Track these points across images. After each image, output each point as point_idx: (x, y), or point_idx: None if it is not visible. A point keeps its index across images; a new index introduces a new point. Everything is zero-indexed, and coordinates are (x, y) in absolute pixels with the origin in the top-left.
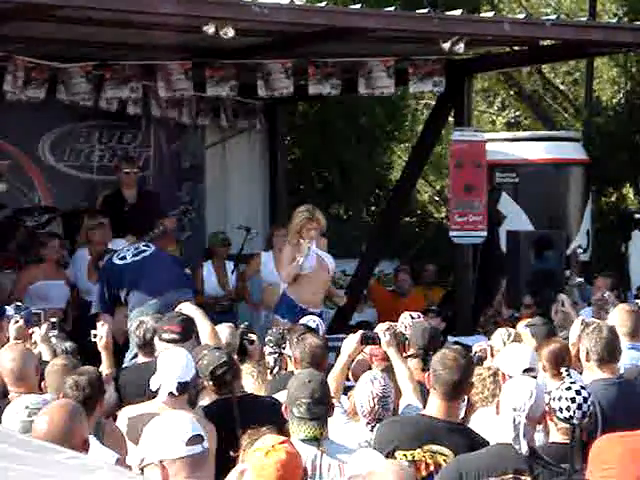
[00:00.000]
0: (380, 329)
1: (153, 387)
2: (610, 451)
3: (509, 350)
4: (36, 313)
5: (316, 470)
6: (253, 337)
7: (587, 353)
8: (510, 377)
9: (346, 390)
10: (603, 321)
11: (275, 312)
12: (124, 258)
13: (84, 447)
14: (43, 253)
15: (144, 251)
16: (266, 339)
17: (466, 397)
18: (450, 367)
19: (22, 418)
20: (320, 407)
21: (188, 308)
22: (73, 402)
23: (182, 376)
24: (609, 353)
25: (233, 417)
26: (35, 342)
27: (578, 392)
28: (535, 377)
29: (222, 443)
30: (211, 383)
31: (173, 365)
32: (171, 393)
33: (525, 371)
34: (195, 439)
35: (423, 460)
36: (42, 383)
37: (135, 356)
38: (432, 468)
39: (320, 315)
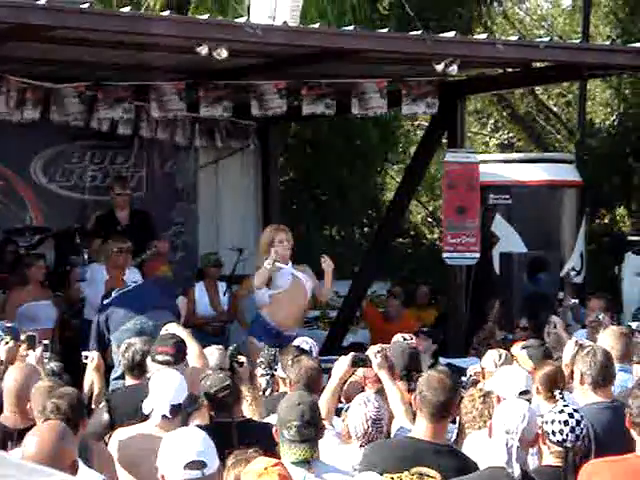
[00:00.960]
0: (371, 351)
1: (146, 410)
2: (599, 476)
3: (504, 372)
4: (31, 336)
5: None
6: (242, 359)
7: (582, 376)
8: (504, 399)
9: (338, 412)
10: (597, 344)
11: (250, 333)
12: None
13: (73, 468)
14: (29, 274)
15: (127, 286)
16: (258, 361)
17: (457, 419)
18: (436, 388)
19: None
20: (310, 429)
21: (174, 329)
22: (62, 424)
23: (175, 398)
24: (603, 377)
25: (231, 441)
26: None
27: (571, 415)
28: (530, 400)
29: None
30: (210, 405)
31: (166, 388)
32: (164, 416)
33: (521, 394)
34: (194, 464)
35: None
36: (28, 405)
37: (121, 376)
38: None
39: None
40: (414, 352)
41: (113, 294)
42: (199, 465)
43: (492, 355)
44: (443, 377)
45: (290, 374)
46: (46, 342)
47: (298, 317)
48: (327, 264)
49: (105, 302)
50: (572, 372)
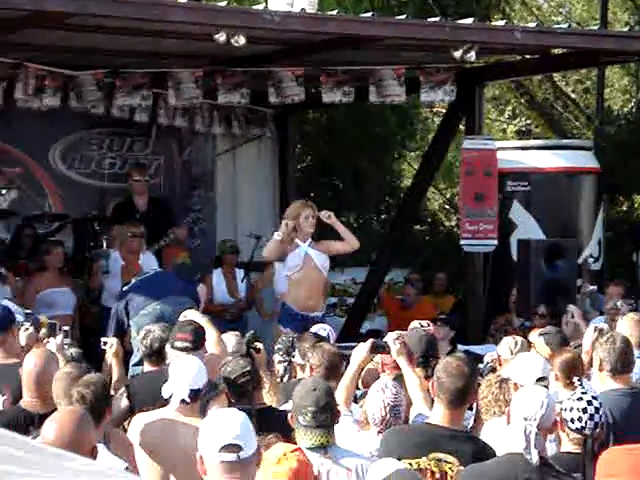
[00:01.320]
0: (390, 338)
1: (165, 395)
2: (616, 464)
3: (521, 359)
4: (52, 323)
5: (323, 477)
6: (259, 346)
7: (600, 363)
8: (522, 386)
9: (355, 399)
10: (617, 331)
11: (278, 321)
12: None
13: (92, 455)
14: (47, 260)
15: (146, 273)
16: (276, 347)
17: (475, 405)
18: (454, 375)
19: None
20: (325, 415)
21: (193, 315)
22: (82, 410)
23: (194, 383)
24: (622, 364)
25: None
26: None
27: (590, 402)
28: (547, 386)
29: None
30: (230, 391)
31: (185, 373)
32: (183, 400)
33: (538, 380)
34: (230, 448)
35: (429, 468)
36: (47, 390)
37: (139, 362)
38: (438, 476)
39: (322, 319)
40: (431, 338)
41: (133, 280)
42: (235, 449)
43: (508, 342)
44: (461, 363)
45: (312, 359)
46: (66, 329)
47: (318, 295)
48: (324, 215)
49: (125, 289)
50: (592, 359)
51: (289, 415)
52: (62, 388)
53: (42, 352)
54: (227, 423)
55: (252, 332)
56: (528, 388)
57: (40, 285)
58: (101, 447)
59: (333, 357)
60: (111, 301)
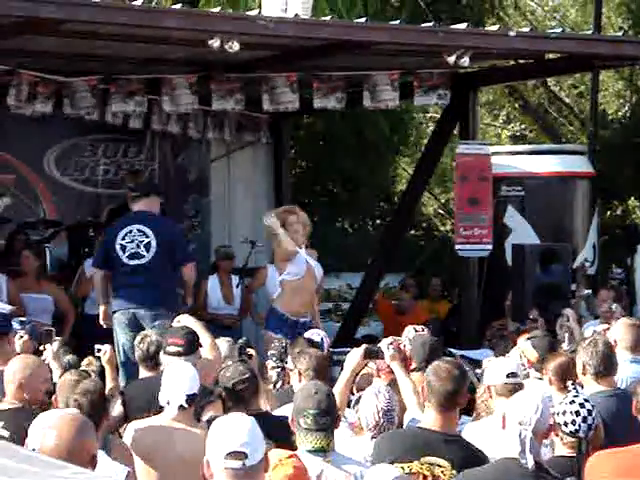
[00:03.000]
0: (384, 343)
1: (162, 402)
2: (602, 468)
3: (493, 362)
4: (48, 330)
5: None
6: (251, 352)
7: (584, 367)
8: (495, 386)
9: (349, 404)
10: (600, 335)
11: (266, 327)
12: (123, 249)
13: (92, 463)
14: (23, 266)
15: (142, 257)
16: (269, 353)
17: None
18: (444, 378)
19: None
20: (326, 418)
21: (187, 320)
22: (82, 416)
23: (190, 389)
24: (605, 366)
25: None
26: (45, 358)
27: (582, 405)
28: (520, 383)
29: None
30: (227, 396)
31: (180, 379)
32: (181, 406)
33: (508, 376)
34: (235, 455)
35: (421, 472)
36: (53, 398)
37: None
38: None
39: (311, 323)
40: (435, 344)
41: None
42: (240, 456)
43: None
44: (450, 367)
45: (299, 364)
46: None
47: (310, 302)
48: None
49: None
50: None
51: (290, 418)
52: (66, 396)
53: (26, 357)
54: (234, 429)
55: (245, 338)
56: (524, 393)
57: (17, 289)
58: (101, 454)
59: (320, 361)
60: (94, 308)
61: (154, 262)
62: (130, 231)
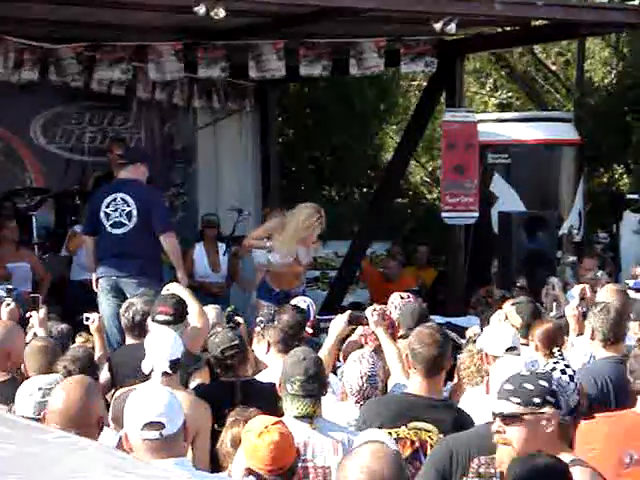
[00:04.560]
0: (368, 310)
1: (146, 370)
2: (595, 432)
3: (492, 330)
4: (34, 297)
5: (308, 447)
6: (239, 320)
7: (593, 332)
8: (494, 357)
9: (335, 371)
10: (611, 302)
11: (257, 296)
12: (107, 216)
13: (99, 425)
14: (2, 236)
15: (123, 225)
16: (257, 319)
17: (456, 377)
18: (427, 343)
19: (37, 399)
20: (314, 385)
21: (175, 288)
22: (89, 379)
23: (172, 354)
24: (615, 334)
25: (234, 400)
26: (32, 325)
27: (563, 371)
28: (518, 355)
29: (220, 424)
30: (216, 362)
31: (162, 345)
32: (165, 373)
33: (508, 350)
34: (152, 426)
35: (408, 437)
36: (22, 365)
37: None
38: (417, 445)
39: (303, 292)
40: (423, 311)
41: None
42: (157, 426)
43: (498, 314)
44: (433, 332)
45: (267, 335)
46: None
47: (297, 279)
48: None
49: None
50: (578, 321)
51: (277, 384)
52: (37, 361)
53: (5, 322)
54: (150, 401)
55: (233, 307)
56: (506, 358)
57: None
58: None
59: (291, 334)
60: (81, 273)
61: (135, 231)
62: (114, 199)
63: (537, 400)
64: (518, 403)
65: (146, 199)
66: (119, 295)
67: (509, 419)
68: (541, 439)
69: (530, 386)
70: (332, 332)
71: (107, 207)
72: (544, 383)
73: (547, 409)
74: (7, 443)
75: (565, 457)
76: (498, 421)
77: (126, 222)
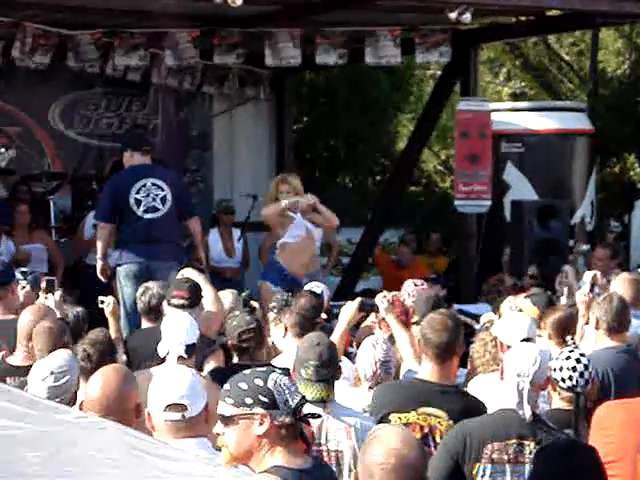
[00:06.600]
0: (379, 297)
1: (162, 354)
2: (611, 418)
3: (508, 319)
4: (50, 279)
5: (322, 432)
6: (255, 304)
7: (597, 322)
8: (509, 346)
9: (349, 356)
10: (614, 290)
11: (263, 278)
12: (138, 202)
13: (137, 411)
14: (14, 219)
15: (157, 210)
16: (270, 305)
17: (469, 364)
18: (438, 330)
19: (49, 384)
20: (327, 369)
21: (190, 273)
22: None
23: (188, 339)
24: (619, 322)
25: None
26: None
27: (578, 360)
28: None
29: None
30: (232, 345)
31: (178, 329)
32: (180, 357)
33: (523, 341)
34: (174, 407)
35: (417, 423)
36: (29, 344)
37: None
38: (426, 430)
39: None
40: (437, 299)
41: None
42: (179, 408)
43: (509, 301)
44: (444, 318)
45: (284, 319)
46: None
47: (310, 264)
48: (308, 204)
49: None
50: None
51: (291, 368)
52: (45, 342)
53: (38, 308)
54: (174, 382)
55: (248, 291)
56: (521, 345)
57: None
58: None
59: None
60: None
61: (168, 215)
62: (144, 185)
63: (249, 400)
64: (232, 404)
65: (178, 184)
66: (146, 281)
67: (225, 420)
68: (251, 441)
69: (244, 385)
70: (343, 318)
71: (137, 193)
72: (259, 382)
73: (258, 409)
74: (26, 423)
75: (268, 461)
76: (219, 423)
77: (160, 207)
